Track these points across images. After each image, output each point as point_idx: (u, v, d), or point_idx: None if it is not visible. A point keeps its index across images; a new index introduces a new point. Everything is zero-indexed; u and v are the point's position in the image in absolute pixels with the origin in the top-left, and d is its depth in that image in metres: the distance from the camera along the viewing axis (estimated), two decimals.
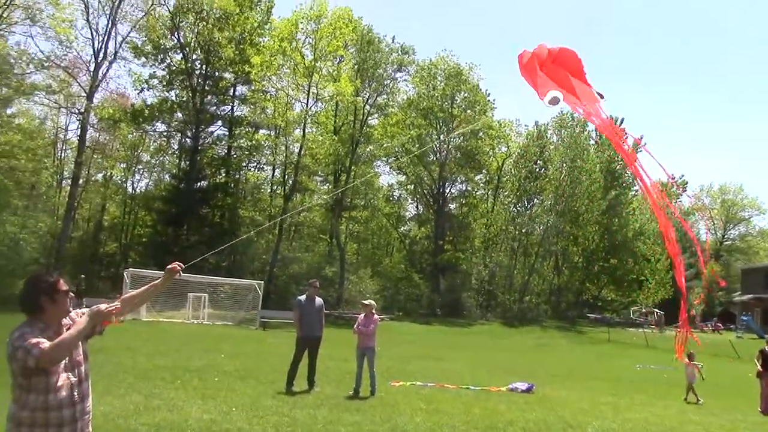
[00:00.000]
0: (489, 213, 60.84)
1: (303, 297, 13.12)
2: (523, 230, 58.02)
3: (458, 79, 55.35)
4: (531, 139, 58.36)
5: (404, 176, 61.76)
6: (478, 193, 62.85)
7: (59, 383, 3.67)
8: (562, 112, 57.94)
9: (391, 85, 54.54)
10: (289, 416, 9.69)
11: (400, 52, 53.67)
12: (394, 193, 65.55)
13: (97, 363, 13.80)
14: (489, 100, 57.85)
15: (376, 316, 13.09)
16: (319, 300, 13.16)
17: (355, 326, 13.20)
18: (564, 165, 57.02)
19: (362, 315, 13.22)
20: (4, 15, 39.85)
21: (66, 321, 3.86)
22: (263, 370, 14.91)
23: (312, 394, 12.07)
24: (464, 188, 62.01)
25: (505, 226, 58.72)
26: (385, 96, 54.44)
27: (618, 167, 60.63)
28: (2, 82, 42.89)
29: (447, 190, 60.17)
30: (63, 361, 3.67)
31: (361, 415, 10.20)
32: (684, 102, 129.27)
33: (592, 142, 61.26)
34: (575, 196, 55.90)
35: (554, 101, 5.54)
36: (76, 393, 3.78)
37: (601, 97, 5.75)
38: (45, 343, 3.51)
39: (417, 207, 66.06)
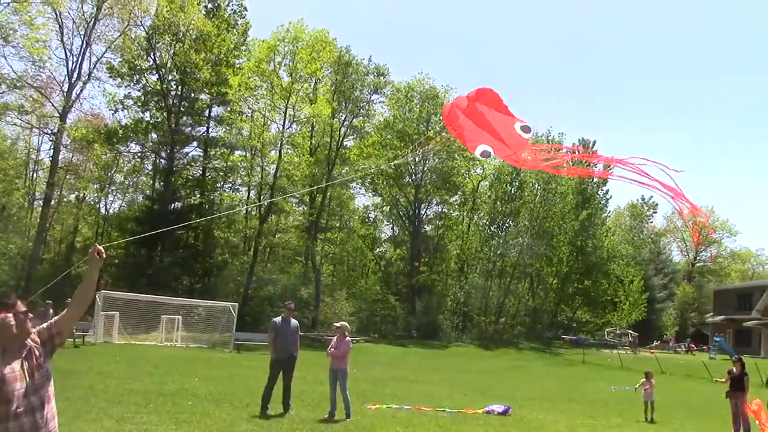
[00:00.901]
0: (464, 234, 61.02)
1: (278, 318, 13.03)
2: (498, 252, 58.25)
3: (434, 102, 55.69)
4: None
5: (380, 198, 61.84)
6: (453, 214, 63.01)
7: (19, 409, 3.52)
8: (536, 134, 58.53)
9: (367, 107, 54.75)
10: None
11: (375, 73, 53.90)
12: (370, 215, 65.60)
13: (67, 387, 13.63)
14: None
15: (348, 338, 13.04)
16: (294, 321, 13.08)
17: (328, 348, 13.14)
18: (538, 186, 57.47)
19: (335, 337, 13.17)
20: None
21: (29, 342, 3.68)
22: (237, 394, 14.76)
23: (287, 417, 11.95)
24: (440, 210, 62.16)
25: (480, 248, 58.92)
26: (361, 117, 54.64)
27: (590, 188, 61.33)
28: None
29: (423, 212, 60.29)
30: (19, 385, 3.51)
31: None
32: (656, 124, 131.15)
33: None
34: (549, 218, 56.31)
35: (485, 155, 5.66)
36: (38, 417, 3.63)
37: (528, 130, 5.84)
38: None
39: (393, 228, 66.09)
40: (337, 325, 13.27)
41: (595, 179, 66.94)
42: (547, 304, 62.18)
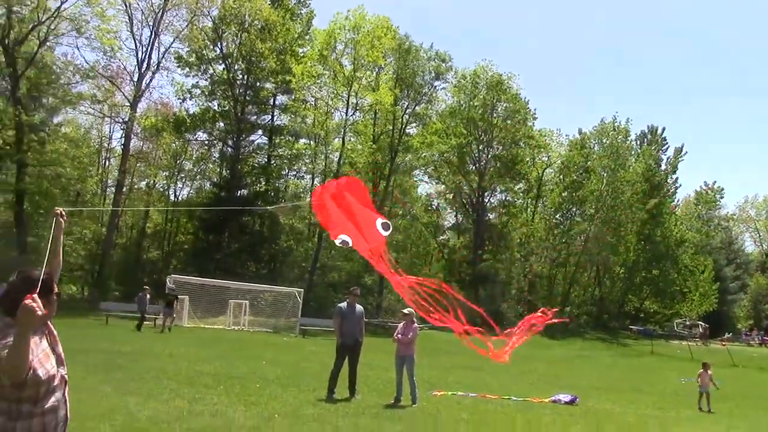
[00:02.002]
0: (528, 222, 60.29)
1: (344, 304, 13.12)
2: (564, 240, 57.37)
3: (498, 89, 55.13)
4: (575, 148, 57.65)
5: (443, 185, 61.65)
6: (517, 202, 62.34)
7: (54, 384, 3.52)
8: (603, 121, 57.41)
9: (429, 93, 54.50)
10: (331, 424, 9.70)
11: (437, 59, 53.59)
12: (433, 203, 65.52)
13: (140, 369, 14.06)
14: (530, 109, 57.53)
15: (415, 325, 13.04)
16: (359, 307, 13.16)
17: (394, 334, 13.17)
18: (605, 174, 56.33)
19: (402, 323, 13.19)
20: (52, 26, 40.79)
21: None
22: (304, 378, 14.95)
23: (353, 402, 12.06)
24: (504, 197, 61.59)
25: (545, 236, 58.14)
26: (423, 105, 54.42)
27: (658, 176, 59.97)
28: (49, 92, 43.93)
29: (486, 200, 59.83)
30: (50, 364, 3.46)
31: (402, 425, 10.16)
32: (729, 111, 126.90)
33: (632, 151, 60.68)
34: (616, 206, 55.15)
35: (344, 244, 5.99)
36: (66, 391, 3.68)
37: (388, 227, 6.23)
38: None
39: (456, 216, 65.85)
40: (405, 311, 13.28)
41: (664, 166, 65.52)
42: (614, 293, 61.01)
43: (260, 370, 15.88)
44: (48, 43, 42.26)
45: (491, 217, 61.32)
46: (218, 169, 56.56)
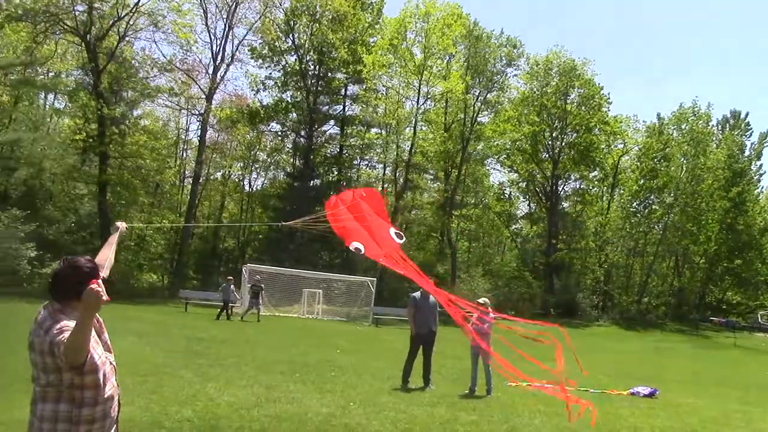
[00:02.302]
0: (604, 211, 59.00)
1: (417, 294, 13.09)
2: (641, 229, 55.97)
3: (572, 75, 54.06)
4: (653, 135, 56.02)
5: (516, 174, 60.94)
6: (593, 190, 61.07)
7: (107, 369, 3.59)
8: (682, 106, 55.66)
9: (501, 80, 53.87)
10: (407, 413, 9.69)
11: (508, 45, 52.92)
12: (506, 191, 64.88)
13: (221, 355, 14.37)
14: (604, 95, 56.16)
15: (491, 315, 12.91)
16: (433, 297, 13.07)
17: (469, 324, 13.06)
18: (685, 161, 54.63)
19: (477, 313, 13.06)
20: (131, 22, 42.01)
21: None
22: (378, 367, 15.02)
23: (428, 391, 12.05)
24: (578, 186, 60.45)
25: (621, 225, 56.82)
26: (495, 92, 53.84)
27: (741, 163, 57.73)
28: (129, 85, 45.33)
29: (560, 188, 58.86)
30: (100, 350, 3.51)
31: (478, 415, 10.09)
32: None
33: (715, 137, 58.65)
34: (696, 194, 53.44)
35: (357, 250, 6.09)
36: (116, 378, 3.72)
37: (401, 237, 6.52)
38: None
39: (529, 205, 65.03)
40: (480, 301, 13.17)
41: (747, 152, 63.08)
42: (694, 284, 59.18)
43: (334, 359, 16.03)
44: (127, 38, 43.60)
45: (565, 205, 60.32)
46: (291, 160, 57.30)
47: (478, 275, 50.08)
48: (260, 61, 52.14)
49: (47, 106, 53.37)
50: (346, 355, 17.06)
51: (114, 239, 4.55)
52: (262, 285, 30.77)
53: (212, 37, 47.54)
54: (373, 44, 51.73)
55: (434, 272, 44.90)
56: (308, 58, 52.86)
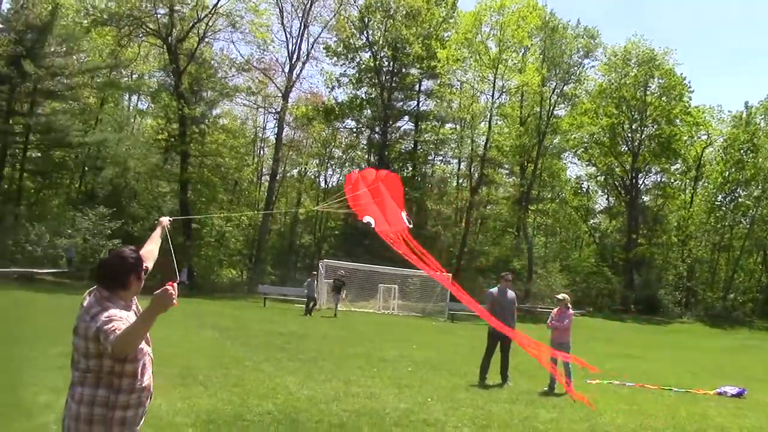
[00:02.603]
0: (687, 205, 57.16)
1: (495, 289, 12.97)
2: (726, 223, 54.02)
3: (651, 65, 52.51)
4: (739, 125, 53.88)
5: (594, 167, 59.68)
6: (674, 183, 59.24)
7: (148, 357, 3.66)
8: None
9: (578, 72, 52.83)
10: (484, 409, 9.61)
11: (585, 36, 51.79)
12: (583, 185, 63.62)
13: (299, 349, 14.57)
14: (686, 85, 54.31)
15: (570, 311, 12.70)
16: (511, 293, 12.95)
17: (548, 321, 12.88)
18: None
19: (555, 309, 12.88)
20: (209, 23, 43.04)
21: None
22: (455, 362, 14.95)
23: (505, 388, 11.92)
24: (659, 179, 58.73)
25: (705, 219, 54.97)
26: (572, 84, 52.82)
27: None
28: (208, 85, 46.47)
29: (640, 181, 57.31)
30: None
31: (558, 412, 9.92)
32: None
33: None
34: None
35: (368, 224, 6.33)
36: (152, 369, 3.77)
37: (409, 222, 6.70)
38: (119, 330, 3.29)
39: (607, 199, 63.61)
40: (559, 296, 12.97)
41: None
42: None
43: (411, 354, 16.04)
44: (206, 40, 44.80)
45: (646, 199, 58.72)
46: (366, 156, 57.62)
47: (556, 271, 49.26)
48: (335, 58, 52.70)
49: (131, 107, 55.23)
50: (423, 351, 17.05)
51: (157, 234, 4.66)
52: (344, 280, 30.97)
53: (288, 35, 48.45)
54: (447, 39, 51.50)
55: (510, 267, 44.46)
56: (382, 54, 53.06)
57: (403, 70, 53.74)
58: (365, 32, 51.97)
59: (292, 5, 47.58)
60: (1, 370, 9.51)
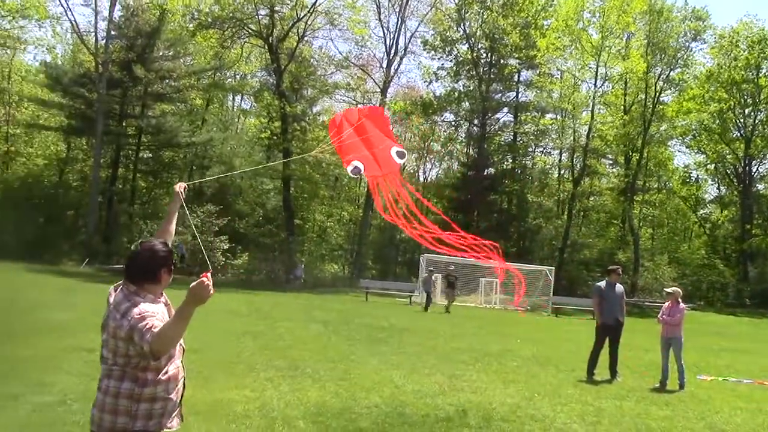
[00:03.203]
0: None
1: (602, 283, 12.65)
2: None
3: (764, 45, 49.81)
4: None
5: (703, 155, 57.23)
6: None
7: (174, 353, 3.65)
8: None
9: (685, 57, 50.65)
10: (594, 405, 9.42)
11: (692, 18, 49.56)
12: (692, 174, 61.08)
13: (403, 343, 14.67)
14: None
15: (682, 305, 12.25)
16: (619, 287, 12.61)
17: (659, 315, 12.46)
18: None
19: (666, 303, 12.45)
20: (309, 22, 43.82)
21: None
22: (561, 357, 14.69)
23: (614, 384, 11.64)
24: None
25: None
26: (678, 70, 50.72)
27: None
28: (309, 83, 47.34)
29: (754, 169, 54.48)
30: None
31: (671, 410, 9.60)
32: None
33: None
34: None
35: (356, 171, 5.96)
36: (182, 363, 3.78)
37: (403, 156, 6.22)
38: (156, 329, 3.30)
39: (718, 188, 60.81)
40: (669, 290, 12.54)
41: None
42: None
43: (515, 348, 15.87)
44: (306, 38, 45.57)
45: (761, 187, 55.76)
46: (465, 149, 57.35)
47: (664, 263, 47.53)
48: (432, 52, 52.59)
49: (235, 107, 56.90)
50: (527, 345, 16.83)
51: (175, 207, 4.47)
52: (457, 275, 30.83)
53: (385, 31, 48.73)
54: (546, 27, 50.49)
55: (615, 260, 43.27)
56: (480, 45, 52.61)
57: (501, 61, 53.09)
58: (462, 24, 51.62)
59: (389, 0, 47.90)
60: None
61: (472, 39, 51.86)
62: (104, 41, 42.66)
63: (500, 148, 54.68)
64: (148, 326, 3.30)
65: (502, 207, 53.73)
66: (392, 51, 48.47)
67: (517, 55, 51.60)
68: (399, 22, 48.30)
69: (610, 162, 55.27)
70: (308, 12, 42.80)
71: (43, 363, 9.19)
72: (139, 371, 3.46)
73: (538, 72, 51.95)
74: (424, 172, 63.36)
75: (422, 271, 33.83)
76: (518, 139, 54.68)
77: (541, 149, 57.66)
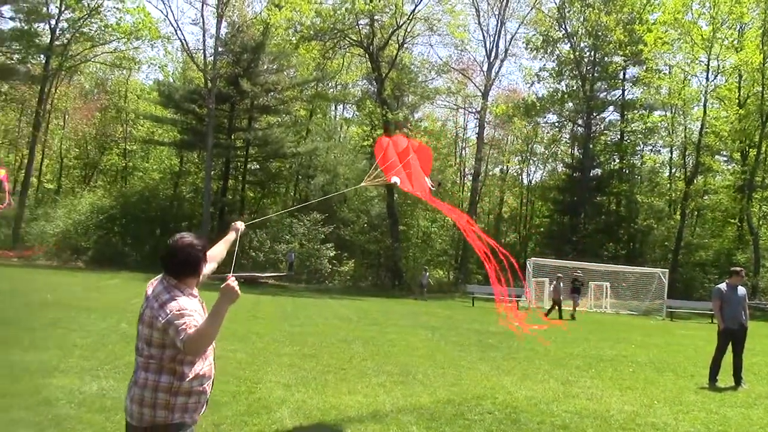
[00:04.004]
0: None
1: (723, 285, 12.04)
2: None
3: None
4: None
5: None
6: None
7: (208, 350, 3.67)
8: None
9: None
10: (719, 414, 8.99)
11: None
12: None
13: (511, 349, 14.49)
14: None
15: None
16: (742, 289, 11.98)
17: None
18: None
19: None
20: (408, 29, 44.10)
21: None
22: (679, 363, 14.13)
23: (740, 391, 11.06)
24: None
25: None
26: None
27: None
28: (409, 90, 47.61)
29: None
30: None
31: None
32: None
33: None
34: None
35: (394, 184, 7.30)
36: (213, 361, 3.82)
37: (434, 185, 8.05)
38: (191, 329, 3.37)
39: None
40: None
41: None
42: None
43: (630, 354, 15.37)
44: (405, 45, 45.87)
45: None
46: (569, 150, 56.22)
47: None
48: (534, 53, 51.89)
49: (337, 117, 57.91)
50: (642, 350, 16.27)
51: (231, 237, 4.64)
52: (583, 281, 30.05)
53: (485, 34, 48.51)
54: (653, 21, 48.81)
55: (733, 261, 41.26)
56: (582, 44, 51.49)
57: (605, 58, 51.71)
58: (563, 23, 50.66)
59: (489, 3, 47.66)
60: (251, 363, 10.33)
61: (574, 38, 50.81)
62: (212, 58, 44.33)
63: (606, 147, 53.24)
64: (185, 325, 3.37)
65: (610, 208, 52.31)
66: (492, 54, 48.18)
67: (621, 52, 50.13)
68: (498, 25, 48.00)
69: (725, 158, 52.76)
70: (408, 19, 43.06)
71: None
72: (177, 364, 3.50)
73: (644, 68, 50.20)
74: (528, 175, 62.52)
75: (529, 275, 33.36)
76: (626, 138, 53.05)
77: (650, 148, 55.73)
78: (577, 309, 28.39)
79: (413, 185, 7.59)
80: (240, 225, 4.74)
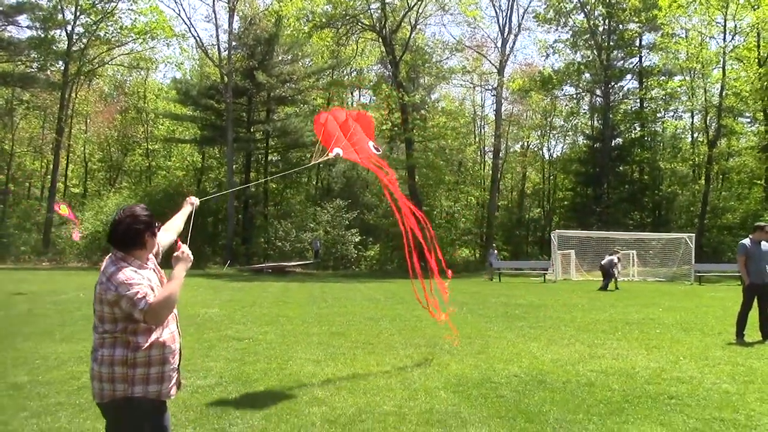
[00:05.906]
0: None
1: (747, 241, 12.01)
2: None
3: None
4: None
5: None
6: None
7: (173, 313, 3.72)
8: None
9: None
10: (745, 366, 9.06)
11: None
12: None
13: (539, 317, 14.63)
14: None
15: None
16: (766, 244, 11.96)
17: None
18: None
19: None
20: (420, 10, 43.99)
21: (150, 256, 3.78)
22: (707, 323, 14.16)
23: (766, 345, 11.11)
24: None
25: None
26: None
27: None
28: (425, 71, 47.54)
29: None
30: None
31: None
32: None
33: None
34: None
35: (337, 155, 7.84)
36: (177, 330, 3.83)
37: (378, 149, 8.70)
38: (150, 296, 3.38)
39: None
40: None
41: None
42: None
43: (657, 317, 15.41)
44: (418, 26, 45.80)
45: None
46: (589, 122, 55.83)
47: None
48: (547, 25, 51.45)
49: (354, 103, 57.98)
50: (670, 313, 16.30)
51: (186, 210, 4.62)
52: (619, 256, 29.63)
53: (497, 10, 48.28)
54: None
55: (761, 221, 40.87)
56: (596, 13, 50.92)
57: (620, 26, 51.09)
58: None
59: None
60: (281, 343, 10.59)
61: (588, 7, 50.28)
62: (227, 52, 44.60)
63: (626, 116, 52.75)
64: (140, 295, 3.37)
65: (633, 177, 51.95)
66: (506, 29, 47.97)
67: (636, 19, 49.55)
68: (510, 0, 47.68)
69: (748, 119, 52.09)
70: (419, 0, 42.96)
71: (203, 351, 9.85)
72: (129, 335, 3.47)
73: (661, 33, 49.62)
74: (549, 149, 62.24)
75: (554, 248, 33.35)
76: (645, 106, 52.52)
77: (671, 113, 55.22)
78: (617, 281, 27.74)
79: (358, 153, 8.21)
80: (195, 200, 4.76)
